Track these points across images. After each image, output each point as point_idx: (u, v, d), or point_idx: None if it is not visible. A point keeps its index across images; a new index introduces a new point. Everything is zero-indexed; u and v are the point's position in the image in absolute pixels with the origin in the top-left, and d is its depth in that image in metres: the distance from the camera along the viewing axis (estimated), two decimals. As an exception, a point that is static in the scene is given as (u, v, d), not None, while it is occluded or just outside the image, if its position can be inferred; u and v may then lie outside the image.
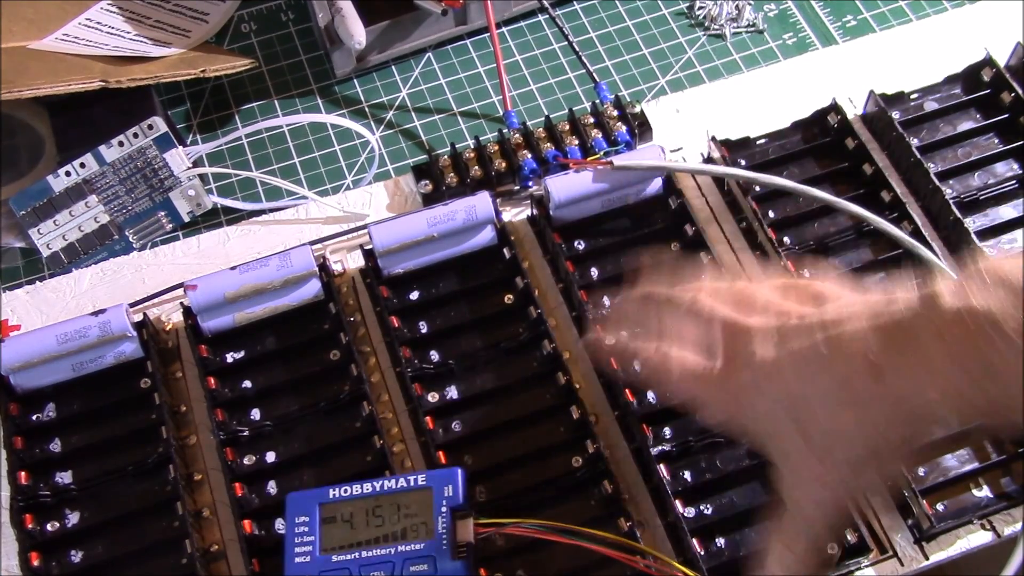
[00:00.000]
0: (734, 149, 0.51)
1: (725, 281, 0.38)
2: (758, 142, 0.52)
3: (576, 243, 0.49)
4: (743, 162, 0.51)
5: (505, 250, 0.48)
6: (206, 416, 0.45)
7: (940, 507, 0.42)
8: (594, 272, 0.48)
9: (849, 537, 0.41)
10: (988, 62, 0.52)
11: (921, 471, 0.43)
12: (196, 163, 0.55)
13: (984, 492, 0.43)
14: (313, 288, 0.47)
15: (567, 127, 0.53)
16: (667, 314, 0.38)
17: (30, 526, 0.43)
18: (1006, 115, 0.51)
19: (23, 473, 0.44)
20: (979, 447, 0.43)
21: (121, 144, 0.54)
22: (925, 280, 0.31)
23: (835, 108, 0.51)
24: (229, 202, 0.56)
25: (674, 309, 0.37)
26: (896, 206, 0.48)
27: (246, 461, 0.44)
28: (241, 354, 0.47)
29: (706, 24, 0.63)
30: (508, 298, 0.47)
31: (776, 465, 0.35)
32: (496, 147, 0.53)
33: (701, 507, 0.42)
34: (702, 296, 0.37)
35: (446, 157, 0.53)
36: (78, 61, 0.56)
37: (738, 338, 0.35)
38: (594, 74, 0.57)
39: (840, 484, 0.33)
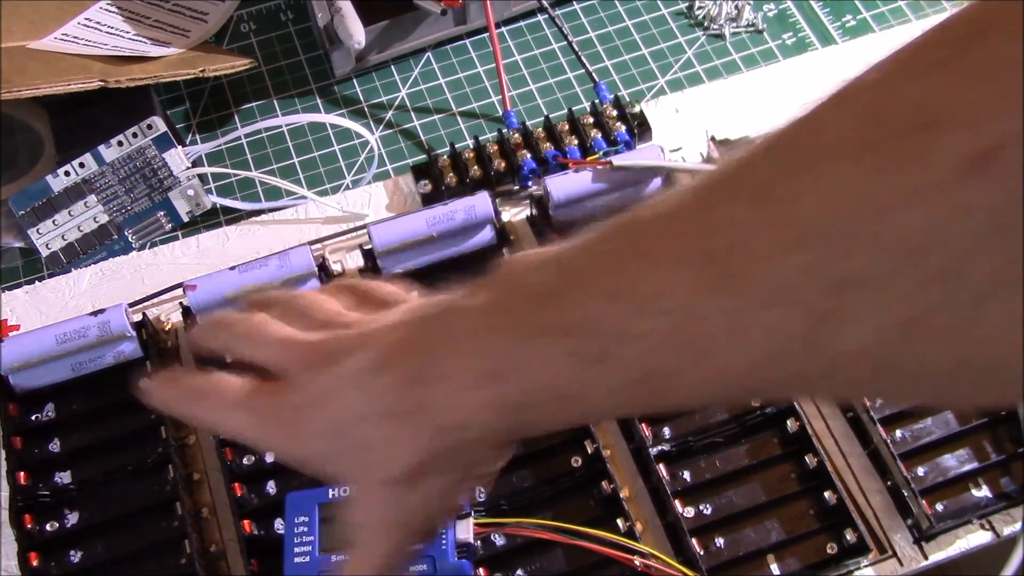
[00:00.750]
0: (734, 149, 0.51)
1: (293, 292, 0.35)
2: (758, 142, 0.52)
3: (575, 243, 0.49)
4: (742, 162, 0.51)
5: (505, 250, 0.48)
6: (205, 416, 0.45)
7: (939, 507, 0.42)
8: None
9: (849, 537, 0.41)
10: (987, 62, 0.52)
11: (921, 471, 0.43)
12: (195, 163, 0.55)
13: (983, 492, 0.43)
14: (312, 288, 0.47)
15: (566, 127, 0.53)
16: (228, 338, 0.34)
17: (29, 526, 0.43)
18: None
19: (22, 473, 0.44)
20: (978, 446, 0.43)
21: (120, 144, 0.54)
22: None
23: (834, 108, 0.51)
24: (228, 202, 0.56)
25: (235, 331, 0.33)
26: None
27: (245, 461, 0.44)
28: (240, 354, 0.47)
29: (705, 24, 0.63)
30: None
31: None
32: (495, 147, 0.53)
33: (700, 507, 0.42)
34: (260, 315, 0.33)
35: (445, 157, 0.53)
36: (77, 61, 0.56)
37: (293, 357, 0.31)
38: (593, 74, 0.57)
39: (402, 503, 0.29)
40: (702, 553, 0.41)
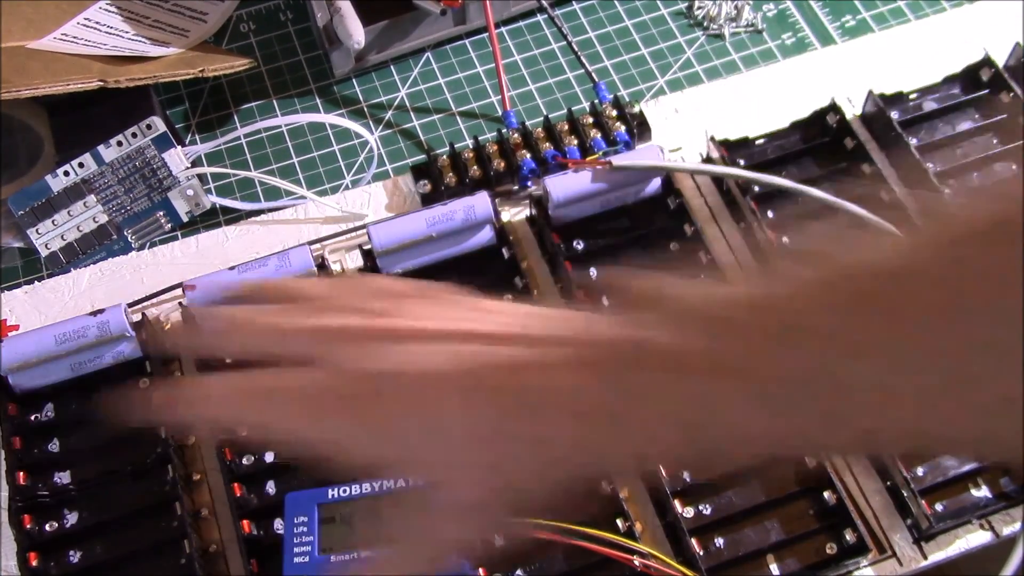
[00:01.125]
0: (733, 149, 0.51)
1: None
2: (757, 142, 0.52)
3: (575, 243, 0.49)
4: (742, 162, 0.51)
5: (504, 250, 0.48)
6: (205, 416, 0.45)
7: (939, 507, 0.42)
8: (592, 272, 0.48)
9: (848, 537, 0.41)
10: (987, 62, 0.52)
11: (920, 471, 0.43)
12: (195, 163, 0.55)
13: (983, 492, 0.43)
14: (312, 288, 0.47)
15: (566, 127, 0.53)
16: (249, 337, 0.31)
17: (28, 526, 0.43)
18: (1005, 115, 0.51)
19: (21, 473, 0.44)
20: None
21: (120, 144, 0.54)
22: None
23: (834, 108, 0.51)
24: (228, 202, 0.56)
25: (256, 328, 0.31)
26: (895, 206, 0.48)
27: (244, 461, 0.44)
28: (240, 354, 0.47)
29: (705, 24, 0.63)
30: (507, 298, 0.47)
31: (412, 490, 0.30)
32: (495, 147, 0.53)
33: (700, 507, 0.42)
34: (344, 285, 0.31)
35: (445, 157, 0.53)
36: (77, 61, 0.56)
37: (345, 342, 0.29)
38: (593, 74, 0.57)
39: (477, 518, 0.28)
40: (702, 553, 0.41)
